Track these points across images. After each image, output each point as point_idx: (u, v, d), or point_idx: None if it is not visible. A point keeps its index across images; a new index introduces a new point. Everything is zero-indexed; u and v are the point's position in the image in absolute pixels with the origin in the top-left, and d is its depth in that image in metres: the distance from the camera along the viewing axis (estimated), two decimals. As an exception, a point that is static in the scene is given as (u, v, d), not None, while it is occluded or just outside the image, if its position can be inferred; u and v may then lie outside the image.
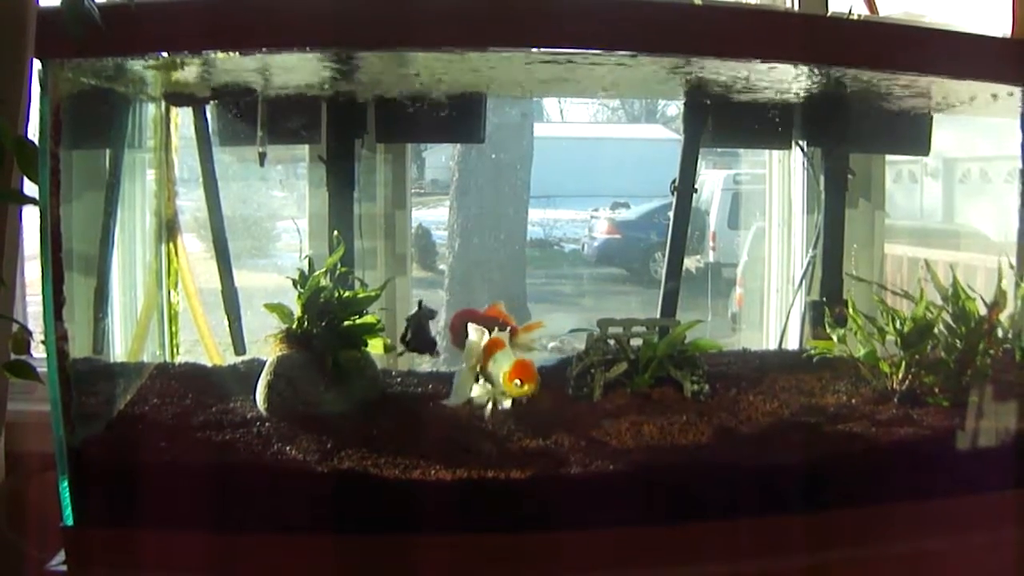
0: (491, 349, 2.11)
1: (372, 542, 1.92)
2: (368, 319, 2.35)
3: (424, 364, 2.76)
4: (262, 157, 2.60)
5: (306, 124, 2.64)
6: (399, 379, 2.56)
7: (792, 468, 2.08)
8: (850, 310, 2.50)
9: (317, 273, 2.31)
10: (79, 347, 2.19)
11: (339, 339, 2.32)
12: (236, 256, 2.73)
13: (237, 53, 2.00)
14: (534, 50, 2.01)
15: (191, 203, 2.84)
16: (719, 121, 2.73)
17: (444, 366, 2.65)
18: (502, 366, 2.08)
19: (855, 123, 2.79)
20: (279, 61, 2.14)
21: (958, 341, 2.40)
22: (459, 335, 2.26)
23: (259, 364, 2.35)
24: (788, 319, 3.22)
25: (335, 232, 2.51)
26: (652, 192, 9.90)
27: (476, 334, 2.14)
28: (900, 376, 2.39)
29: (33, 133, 1.80)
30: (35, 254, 1.94)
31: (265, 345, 2.34)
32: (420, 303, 2.43)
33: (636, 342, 2.49)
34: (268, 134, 2.59)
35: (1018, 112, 2.74)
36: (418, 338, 2.42)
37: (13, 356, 1.79)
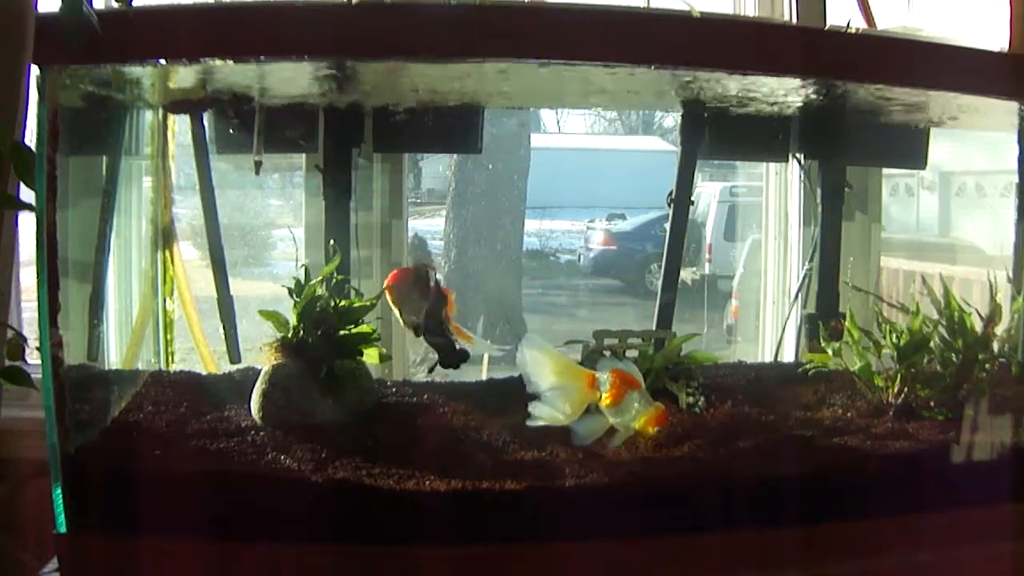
0: (626, 387, 2.05)
1: (366, 552, 1.91)
2: (364, 328, 2.35)
3: (419, 374, 2.75)
4: (258, 166, 2.59)
5: (303, 133, 2.64)
6: (394, 388, 2.56)
7: (787, 481, 2.07)
8: (847, 323, 2.50)
9: (313, 282, 2.31)
10: (74, 354, 2.18)
11: (335, 348, 2.32)
12: (232, 264, 2.73)
13: (234, 61, 2.00)
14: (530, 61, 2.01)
15: (187, 211, 2.84)
16: (716, 133, 2.74)
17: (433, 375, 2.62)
18: (640, 408, 2.02)
19: (852, 136, 2.80)
20: (277, 70, 2.14)
21: (954, 355, 2.40)
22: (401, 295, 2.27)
23: (254, 373, 2.35)
24: (784, 332, 3.22)
25: (331, 241, 2.51)
26: (648, 204, 9.93)
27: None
28: (896, 389, 2.39)
29: (30, 139, 1.80)
30: (31, 260, 1.93)
31: (260, 354, 2.34)
32: (439, 284, 2.32)
33: (632, 354, 2.49)
34: (265, 143, 2.59)
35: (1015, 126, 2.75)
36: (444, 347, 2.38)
37: (8, 362, 1.79)
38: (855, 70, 2.11)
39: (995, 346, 2.42)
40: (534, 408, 2.05)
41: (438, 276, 2.32)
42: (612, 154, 13.77)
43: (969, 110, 2.60)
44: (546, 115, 13.96)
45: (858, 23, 2.74)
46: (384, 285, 2.32)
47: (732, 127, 2.73)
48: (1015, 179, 2.81)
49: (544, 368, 2.06)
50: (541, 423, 2.04)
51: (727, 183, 9.02)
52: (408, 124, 2.64)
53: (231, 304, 2.69)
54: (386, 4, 2.01)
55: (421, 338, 2.36)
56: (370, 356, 2.38)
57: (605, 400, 2.03)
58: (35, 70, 1.80)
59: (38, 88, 1.86)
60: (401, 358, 2.98)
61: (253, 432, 2.15)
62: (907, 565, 2.07)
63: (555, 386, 2.05)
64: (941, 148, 3.25)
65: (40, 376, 1.92)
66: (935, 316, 2.43)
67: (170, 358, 2.76)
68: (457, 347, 2.33)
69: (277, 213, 4.40)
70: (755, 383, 2.66)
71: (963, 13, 3.09)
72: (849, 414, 2.40)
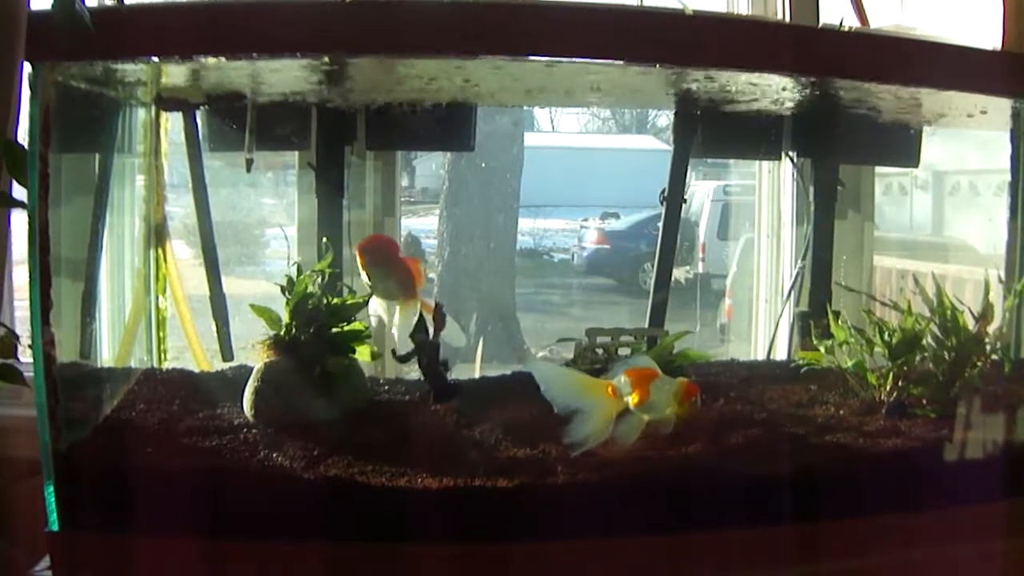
0: (648, 379, 2.05)
1: (359, 550, 1.91)
2: (356, 326, 2.35)
3: (413, 372, 2.75)
4: (249, 163, 2.58)
5: (296, 130, 2.64)
6: (386, 386, 2.55)
7: (779, 479, 2.07)
8: (833, 322, 2.49)
9: (304, 275, 2.30)
10: (66, 352, 2.17)
11: (327, 346, 2.32)
12: (225, 262, 2.72)
13: (227, 59, 2.00)
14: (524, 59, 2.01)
15: (180, 209, 2.83)
16: (709, 132, 2.74)
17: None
18: (669, 390, 2.03)
19: (845, 135, 2.80)
20: (269, 66, 2.14)
21: (946, 353, 2.41)
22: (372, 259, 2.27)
23: (247, 370, 2.34)
24: (776, 330, 3.22)
25: (324, 239, 2.51)
26: (642, 202, 9.93)
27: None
28: (888, 387, 2.40)
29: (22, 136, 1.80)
30: (23, 258, 1.93)
31: (253, 351, 2.34)
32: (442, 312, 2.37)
33: (624, 351, 2.49)
34: (257, 140, 2.58)
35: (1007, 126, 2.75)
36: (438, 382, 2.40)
37: (0, 360, 1.79)
38: (848, 68, 2.11)
39: (987, 344, 2.42)
40: (570, 440, 2.03)
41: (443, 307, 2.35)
42: (606, 153, 13.78)
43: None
44: (540, 114, 13.97)
45: (851, 22, 2.74)
46: (355, 248, 2.31)
47: (725, 125, 2.73)
48: (1008, 178, 2.81)
49: (563, 391, 2.06)
50: (583, 449, 2.02)
51: (720, 182, 9.03)
52: (401, 121, 2.63)
53: (224, 302, 2.69)
54: (379, 2, 2.00)
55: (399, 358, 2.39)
56: (362, 353, 2.38)
57: (634, 402, 2.03)
58: (27, 67, 1.80)
59: (30, 85, 1.85)
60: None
61: (245, 430, 2.15)
62: (900, 563, 2.07)
63: (580, 408, 2.04)
64: (934, 147, 3.25)
65: (32, 374, 1.92)
66: (928, 314, 2.43)
67: (162, 356, 2.76)
68: (450, 380, 2.40)
69: (270, 211, 4.39)
70: (747, 381, 2.66)
71: (956, 12, 3.09)
72: (841, 412, 2.40)
